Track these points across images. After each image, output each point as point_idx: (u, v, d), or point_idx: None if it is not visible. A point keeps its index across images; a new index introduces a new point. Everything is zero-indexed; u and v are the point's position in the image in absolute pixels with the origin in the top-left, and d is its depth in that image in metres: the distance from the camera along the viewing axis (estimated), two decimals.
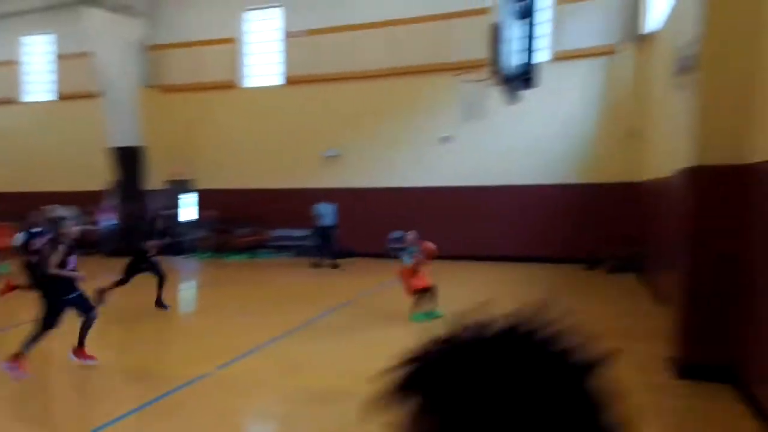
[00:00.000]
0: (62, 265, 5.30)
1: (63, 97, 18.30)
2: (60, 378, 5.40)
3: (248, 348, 6.09)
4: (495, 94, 8.01)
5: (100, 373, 5.44)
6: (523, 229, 13.69)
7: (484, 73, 8.09)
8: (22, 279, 7.57)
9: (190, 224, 16.95)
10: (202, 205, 16.94)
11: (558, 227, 13.41)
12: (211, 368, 5.44)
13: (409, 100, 14.82)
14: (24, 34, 18.61)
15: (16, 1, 17.35)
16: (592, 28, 13.35)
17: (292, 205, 15.46)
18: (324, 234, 13.72)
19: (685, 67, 5.29)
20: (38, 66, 18.82)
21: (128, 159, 16.47)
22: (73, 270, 5.46)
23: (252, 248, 15.81)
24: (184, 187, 17.50)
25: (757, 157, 4.62)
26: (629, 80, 12.83)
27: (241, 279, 12.02)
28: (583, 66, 13.53)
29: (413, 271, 7.47)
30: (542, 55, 12.11)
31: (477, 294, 9.28)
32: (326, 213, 13.87)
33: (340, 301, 8.61)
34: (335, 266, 13.30)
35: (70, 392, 5.20)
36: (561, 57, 13.57)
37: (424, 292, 7.44)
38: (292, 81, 16.06)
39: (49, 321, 5.17)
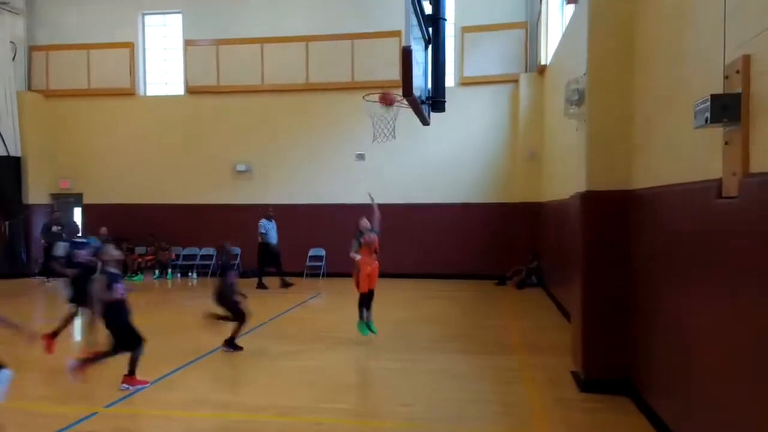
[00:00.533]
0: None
1: None
2: None
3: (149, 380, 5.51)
4: (405, 116, 8.16)
5: None
6: (434, 247, 13.93)
7: (394, 95, 8.22)
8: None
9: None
10: (92, 221, 15.48)
11: (468, 245, 13.76)
12: (98, 408, 4.87)
13: (323, 117, 14.65)
14: None
15: None
16: (497, 57, 14.12)
17: (198, 221, 14.66)
18: (268, 251, 13.07)
19: (574, 100, 5.72)
20: None
21: (4, 170, 14.67)
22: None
23: (152, 268, 14.69)
24: (72, 201, 15.95)
25: (638, 184, 5.10)
26: (530, 107, 13.59)
27: (137, 304, 10.96)
28: (489, 92, 14.15)
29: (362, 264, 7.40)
30: (451, 80, 12.64)
31: (395, 310, 9.35)
32: (270, 229, 13.24)
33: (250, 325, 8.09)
34: (286, 285, 12.62)
35: None
36: (469, 82, 14.22)
37: (367, 296, 7.35)
38: (193, 91, 15.23)
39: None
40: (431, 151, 14.10)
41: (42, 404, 5.16)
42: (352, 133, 14.36)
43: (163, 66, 15.81)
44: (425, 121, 7.45)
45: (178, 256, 14.89)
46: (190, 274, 14.69)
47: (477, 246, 13.73)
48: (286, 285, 12.71)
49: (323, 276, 14.19)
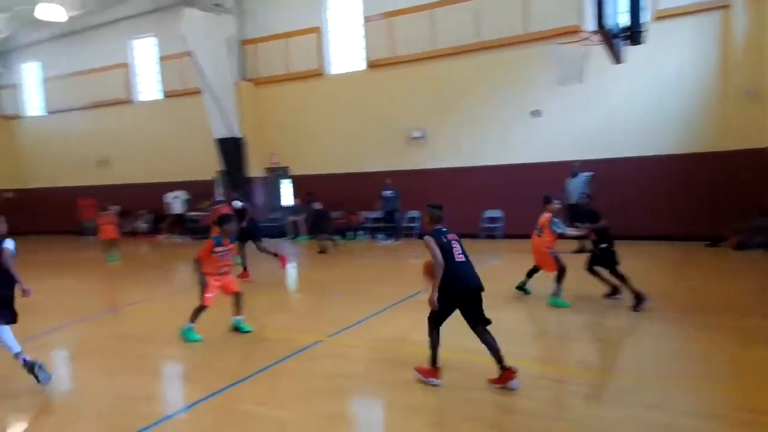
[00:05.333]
0: None
1: (168, 95, 19.57)
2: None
3: (352, 321, 6.29)
4: (594, 57, 7.45)
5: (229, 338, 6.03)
6: (626, 206, 12.53)
7: (579, 35, 7.63)
8: None
9: (288, 209, 17.74)
10: (297, 190, 17.65)
11: (672, 203, 11.88)
12: (322, 337, 5.70)
13: (494, 75, 13.79)
14: (132, 38, 19.85)
15: (125, 7, 18.48)
16: None
17: (377, 187, 15.65)
18: (389, 218, 14.39)
19: None
20: (146, 67, 20.37)
21: (231, 150, 17.28)
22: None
23: (344, 230, 16.26)
24: (281, 174, 18.39)
25: None
26: (747, 37, 10.93)
27: (336, 261, 12.36)
28: (690, 24, 11.70)
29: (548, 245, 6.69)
30: (646, 13, 11.09)
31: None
32: (391, 197, 14.32)
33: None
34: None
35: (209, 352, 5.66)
36: (665, 15, 12.14)
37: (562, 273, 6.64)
38: (373, 65, 15.63)
39: None
40: (620, 99, 12.25)
41: (281, 333, 6.19)
42: (525, 89, 13.28)
43: (345, 45, 16.39)
44: (618, 59, 6.71)
45: (366, 220, 16.25)
46: (377, 235, 15.89)
47: (680, 203, 11.72)
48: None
49: (500, 237, 13.74)
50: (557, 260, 6.70)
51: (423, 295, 7.44)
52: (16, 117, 23.24)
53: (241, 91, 17.34)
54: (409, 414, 3.82)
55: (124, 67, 20.19)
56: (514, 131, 13.87)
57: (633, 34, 6.19)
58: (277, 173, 18.05)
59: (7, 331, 4.61)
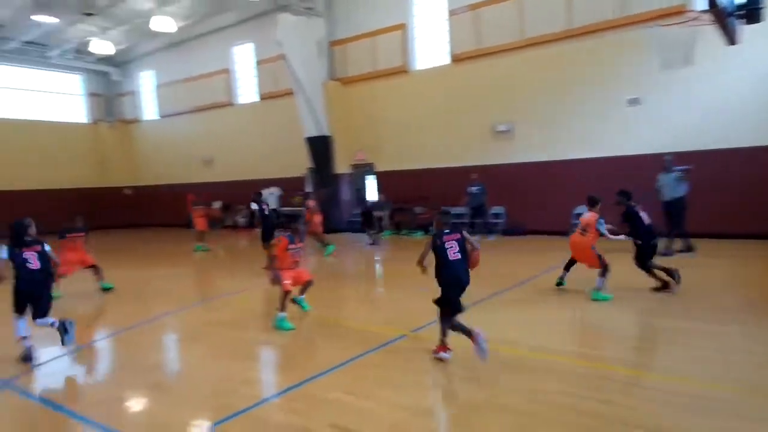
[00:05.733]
0: None
1: (263, 97, 20.76)
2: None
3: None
4: (703, 38, 6.74)
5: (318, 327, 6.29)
6: (736, 201, 11.25)
7: (686, 16, 6.98)
8: None
9: (373, 205, 18.09)
10: (381, 186, 17.95)
11: None
12: (406, 332, 5.77)
13: (586, 63, 13.02)
14: (233, 45, 21.28)
15: (226, 17, 19.74)
16: None
17: (464, 183, 15.44)
18: (476, 213, 14.20)
19: None
20: (244, 72, 21.73)
21: (320, 148, 17.92)
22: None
23: (429, 226, 16.26)
24: (366, 170, 18.77)
25: None
26: None
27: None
28: None
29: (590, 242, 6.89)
30: None
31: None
32: (477, 193, 13.97)
33: (517, 281, 8.30)
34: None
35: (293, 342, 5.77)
36: None
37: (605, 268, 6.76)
38: (457, 59, 15.43)
39: None
40: (734, 83, 11.10)
41: (367, 325, 6.30)
42: (621, 77, 12.40)
43: (429, 40, 16.36)
44: (732, 39, 6.04)
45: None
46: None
47: None
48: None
49: None
50: (600, 257, 6.87)
51: (510, 294, 7.36)
52: (134, 121, 25.79)
53: (330, 91, 17.88)
54: (493, 414, 3.75)
55: (226, 72, 21.61)
56: (609, 122, 13.04)
57: (750, 11, 5.54)
58: (362, 170, 18.43)
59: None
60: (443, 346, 4.88)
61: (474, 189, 14.06)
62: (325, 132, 17.78)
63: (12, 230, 5.51)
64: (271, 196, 19.49)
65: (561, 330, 5.98)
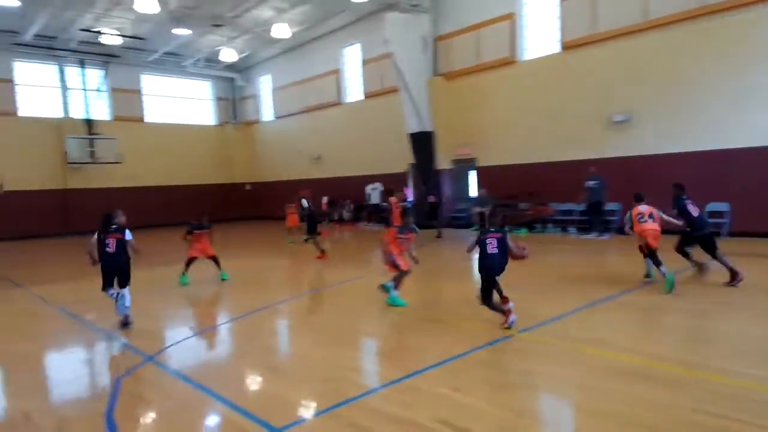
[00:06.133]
0: None
1: (368, 95, 21.34)
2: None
3: (547, 317, 6.00)
4: None
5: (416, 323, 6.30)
6: None
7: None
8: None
9: (474, 200, 17.76)
10: (484, 181, 17.55)
11: None
12: (513, 332, 5.57)
13: (721, 43, 11.61)
14: (342, 46, 22.07)
15: (336, 20, 20.51)
16: None
17: (572, 177, 14.54)
18: (594, 210, 12.96)
19: None
20: (352, 72, 22.48)
21: (422, 143, 18.02)
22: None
23: (533, 223, 15.58)
24: (468, 165, 18.49)
25: None
26: None
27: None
28: None
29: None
30: None
31: None
32: (596, 188, 12.80)
33: (638, 282, 7.60)
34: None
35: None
36: None
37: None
38: (569, 46, 14.53)
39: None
40: None
41: (473, 323, 6.05)
42: (764, 57, 11.03)
43: (538, 29, 15.70)
44: None
45: (558, 212, 15.25)
46: (568, 228, 14.83)
47: None
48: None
49: (725, 235, 11.37)
50: None
51: (624, 297, 6.77)
52: (255, 122, 27.84)
53: (434, 86, 17.82)
54: (607, 424, 3.46)
55: (335, 73, 22.47)
56: (748, 109, 11.50)
57: None
58: (464, 165, 18.14)
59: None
60: (506, 314, 5.63)
61: (592, 183, 13.06)
62: (428, 128, 17.77)
63: (102, 219, 6.55)
64: (374, 192, 19.94)
65: (683, 338, 5.39)
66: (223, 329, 6.69)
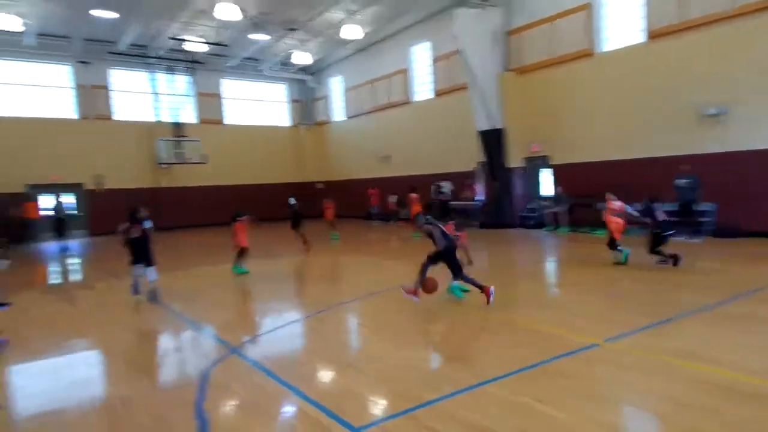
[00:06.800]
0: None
1: (438, 93, 21.01)
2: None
3: (635, 327, 5.57)
4: None
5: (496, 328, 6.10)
6: None
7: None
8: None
9: (548, 199, 17.05)
10: (558, 179, 16.81)
11: None
12: (598, 340, 5.24)
13: None
14: (411, 45, 21.91)
15: (405, 19, 20.41)
16: None
17: (658, 175, 13.51)
18: (685, 210, 11.93)
19: None
20: (421, 70, 22.31)
21: (492, 141, 17.50)
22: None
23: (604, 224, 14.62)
24: (540, 163, 17.80)
25: None
26: None
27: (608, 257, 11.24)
28: None
29: None
30: None
31: None
32: (687, 187, 11.78)
33: (738, 291, 6.87)
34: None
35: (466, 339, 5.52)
36: None
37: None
38: (656, 35, 13.50)
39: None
40: None
41: (552, 328, 5.76)
42: None
43: (620, 18, 14.74)
44: None
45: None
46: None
47: None
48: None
49: None
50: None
51: (731, 308, 6.11)
52: (326, 123, 28.43)
53: (505, 82, 17.28)
54: None
55: (404, 72, 22.42)
56: None
57: None
58: (536, 162, 17.45)
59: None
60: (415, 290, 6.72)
61: (683, 182, 12.13)
62: (498, 125, 17.26)
63: (129, 213, 8.24)
64: (444, 190, 19.68)
65: None
66: (299, 325, 6.83)
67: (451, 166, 19.87)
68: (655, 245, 8.97)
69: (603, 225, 14.09)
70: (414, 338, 5.89)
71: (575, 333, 5.39)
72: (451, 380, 4.62)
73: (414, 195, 16.65)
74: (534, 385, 4.18)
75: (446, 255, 6.93)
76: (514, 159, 17.56)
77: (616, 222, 9.44)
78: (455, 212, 18.88)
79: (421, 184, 21.21)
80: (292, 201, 12.46)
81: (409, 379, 4.45)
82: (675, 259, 8.72)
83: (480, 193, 18.47)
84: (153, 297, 8.08)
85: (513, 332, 5.75)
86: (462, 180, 19.25)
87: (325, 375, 4.86)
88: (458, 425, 3.53)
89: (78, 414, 4.09)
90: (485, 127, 17.30)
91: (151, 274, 8.14)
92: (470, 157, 18.61)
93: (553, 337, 5.41)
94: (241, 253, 10.21)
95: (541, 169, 17.46)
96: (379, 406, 4.05)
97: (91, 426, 3.85)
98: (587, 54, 15.35)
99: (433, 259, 7.00)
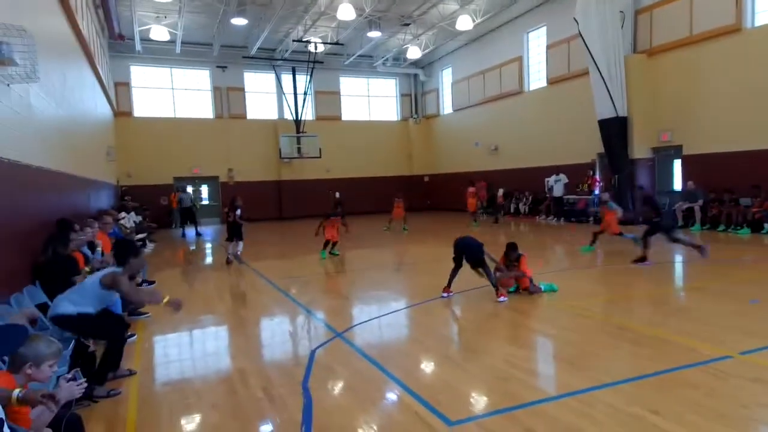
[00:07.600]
0: None
1: (551, 81, 19.74)
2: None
3: None
4: None
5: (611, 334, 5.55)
6: None
7: None
8: None
9: (677, 194, 15.26)
10: (692, 172, 14.92)
11: None
12: (732, 353, 4.56)
13: None
14: (527, 31, 20.83)
15: (520, 5, 19.44)
16: None
17: None
18: None
19: None
20: (535, 58, 21.23)
21: (614, 131, 15.93)
22: None
23: (761, 222, 12.70)
24: (672, 153, 15.92)
25: None
26: None
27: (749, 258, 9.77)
28: None
29: None
30: None
31: None
32: None
33: None
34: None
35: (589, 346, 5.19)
36: None
37: None
38: None
39: None
40: None
41: (676, 336, 5.20)
42: None
43: None
44: None
45: None
46: None
47: None
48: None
49: None
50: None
51: None
52: (435, 116, 28.36)
53: (632, 66, 15.79)
54: None
55: (518, 60, 21.50)
56: None
57: None
58: (666, 153, 15.71)
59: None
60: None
61: None
62: (622, 113, 15.80)
63: (230, 202, 11.42)
64: (557, 184, 18.59)
65: None
66: (402, 314, 6.90)
67: (566, 158, 18.69)
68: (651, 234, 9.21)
69: (754, 226, 12.40)
70: (519, 336, 5.65)
71: (703, 342, 4.76)
72: (558, 382, 4.35)
73: (472, 189, 16.31)
74: (651, 395, 3.78)
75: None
76: (640, 149, 16.01)
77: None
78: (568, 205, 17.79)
79: (530, 177, 20.28)
80: (239, 210, 12.09)
81: (509, 377, 4.28)
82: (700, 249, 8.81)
83: (600, 186, 17.15)
84: (239, 260, 11.07)
85: (632, 338, 5.24)
86: (582, 172, 18.00)
87: (425, 366, 4.86)
88: (561, 430, 3.30)
89: (203, 383, 4.54)
90: (607, 115, 15.96)
91: (239, 246, 11.19)
92: (587, 148, 17.33)
93: (677, 346, 4.85)
94: (328, 243, 11.70)
95: (673, 161, 15.74)
96: (477, 402, 3.96)
97: (216, 393, 4.25)
98: (734, 30, 13.44)
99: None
